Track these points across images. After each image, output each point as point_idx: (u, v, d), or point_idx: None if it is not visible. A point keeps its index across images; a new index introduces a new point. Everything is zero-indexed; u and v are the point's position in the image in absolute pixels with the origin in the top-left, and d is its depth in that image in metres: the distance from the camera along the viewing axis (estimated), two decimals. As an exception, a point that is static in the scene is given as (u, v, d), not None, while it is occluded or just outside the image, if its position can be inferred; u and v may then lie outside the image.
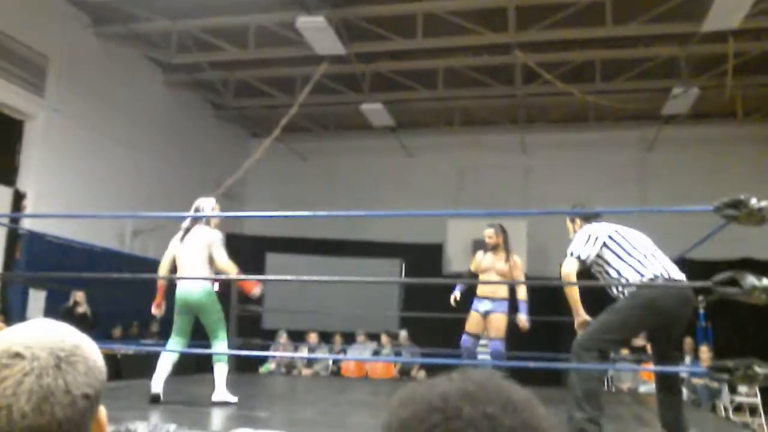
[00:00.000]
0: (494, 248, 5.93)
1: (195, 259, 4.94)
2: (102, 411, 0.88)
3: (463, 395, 0.68)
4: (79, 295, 8.23)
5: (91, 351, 0.87)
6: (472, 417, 0.66)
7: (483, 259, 5.98)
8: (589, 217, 4.14)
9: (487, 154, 12.58)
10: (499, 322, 5.79)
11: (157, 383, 4.76)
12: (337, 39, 8.69)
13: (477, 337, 5.95)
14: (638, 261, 3.77)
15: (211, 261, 4.95)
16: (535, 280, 10.74)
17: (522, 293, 5.80)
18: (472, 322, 5.89)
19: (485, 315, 5.83)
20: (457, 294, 6.05)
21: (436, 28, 8.98)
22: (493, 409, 0.67)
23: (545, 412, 0.72)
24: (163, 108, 11.03)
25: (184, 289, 4.96)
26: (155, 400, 4.68)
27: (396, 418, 0.69)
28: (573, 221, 4.23)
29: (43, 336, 0.86)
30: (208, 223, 5.11)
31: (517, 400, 0.70)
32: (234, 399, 4.98)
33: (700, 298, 7.20)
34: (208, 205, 5.19)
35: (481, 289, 5.93)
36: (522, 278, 5.84)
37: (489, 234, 5.96)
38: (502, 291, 5.84)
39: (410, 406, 0.69)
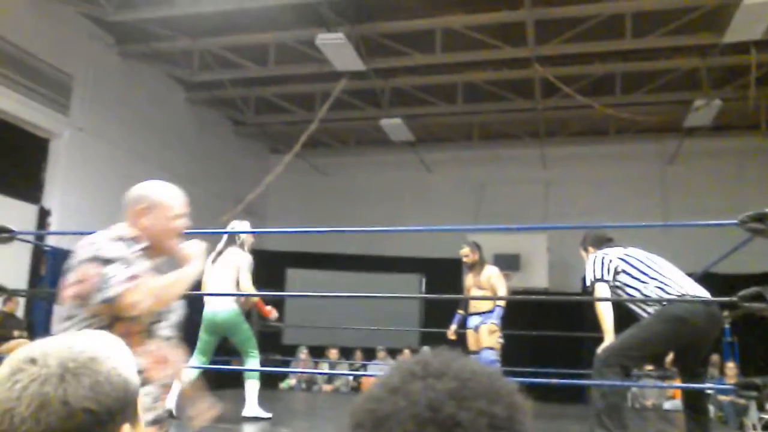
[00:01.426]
0: (473, 266, 6.08)
1: (223, 281, 4.99)
2: (126, 429, 0.86)
3: (451, 397, 0.64)
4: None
5: (110, 367, 0.87)
6: (469, 420, 0.62)
7: (467, 279, 6.13)
8: (601, 243, 4.12)
9: (506, 169, 12.53)
10: (483, 332, 5.90)
11: (170, 400, 4.78)
12: (356, 55, 8.74)
13: (478, 353, 6.07)
14: (658, 280, 3.74)
15: (238, 283, 5.01)
16: (555, 295, 10.67)
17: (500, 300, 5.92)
18: (470, 340, 6.12)
19: (476, 330, 5.98)
20: (453, 328, 6.21)
21: (454, 43, 9.00)
22: (483, 404, 0.64)
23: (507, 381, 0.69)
24: (185, 125, 11.16)
25: (212, 310, 5.00)
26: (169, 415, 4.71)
27: None
28: (585, 249, 4.22)
29: (65, 346, 0.87)
30: (242, 245, 5.17)
31: (500, 386, 0.67)
32: (267, 414, 4.99)
33: (726, 313, 7.09)
34: (242, 228, 5.26)
35: (470, 306, 6.15)
36: (502, 286, 5.96)
37: (464, 253, 6.14)
38: (485, 305, 5.97)
39: (393, 424, 0.63)
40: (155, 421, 2.04)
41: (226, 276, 5.00)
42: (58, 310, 2.10)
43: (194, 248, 2.32)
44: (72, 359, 0.84)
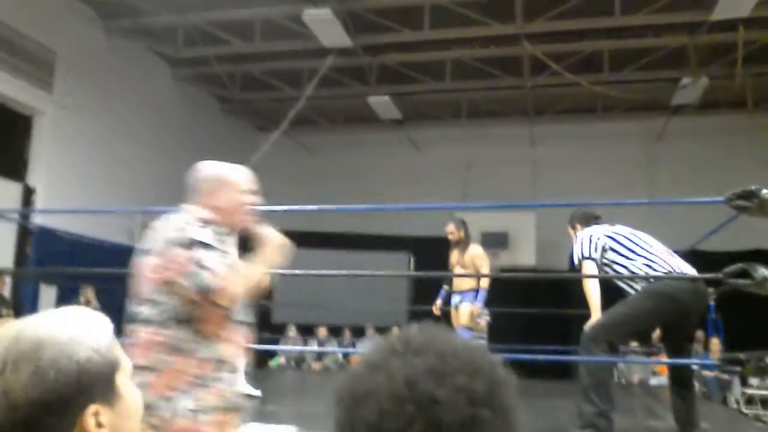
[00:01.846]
0: (458, 243, 6.06)
1: None
2: (92, 412, 0.82)
3: (429, 373, 0.63)
4: (87, 291, 8.25)
5: (57, 351, 0.82)
6: (447, 397, 0.61)
7: (452, 256, 6.14)
8: (588, 221, 4.14)
9: (495, 146, 12.53)
10: (462, 312, 5.93)
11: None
12: (343, 31, 8.65)
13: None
14: (645, 257, 3.76)
15: None
16: (543, 273, 10.73)
17: (483, 282, 5.89)
18: (453, 317, 6.12)
19: (456, 308, 6.01)
20: (439, 302, 6.22)
21: (443, 20, 8.93)
22: (462, 380, 0.63)
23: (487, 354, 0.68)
24: (170, 102, 11.04)
25: None
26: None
27: (359, 420, 0.62)
28: (573, 227, 4.24)
29: (13, 333, 0.83)
30: None
31: (481, 361, 0.66)
32: (257, 392, 5.01)
33: (711, 290, 7.16)
34: None
35: (453, 284, 6.16)
36: (485, 266, 5.95)
37: (450, 230, 6.12)
38: (467, 283, 5.97)
39: (372, 402, 0.62)
40: (227, 408, 2.02)
41: None
42: (138, 293, 2.06)
43: (276, 236, 2.34)
44: (14, 348, 0.81)
